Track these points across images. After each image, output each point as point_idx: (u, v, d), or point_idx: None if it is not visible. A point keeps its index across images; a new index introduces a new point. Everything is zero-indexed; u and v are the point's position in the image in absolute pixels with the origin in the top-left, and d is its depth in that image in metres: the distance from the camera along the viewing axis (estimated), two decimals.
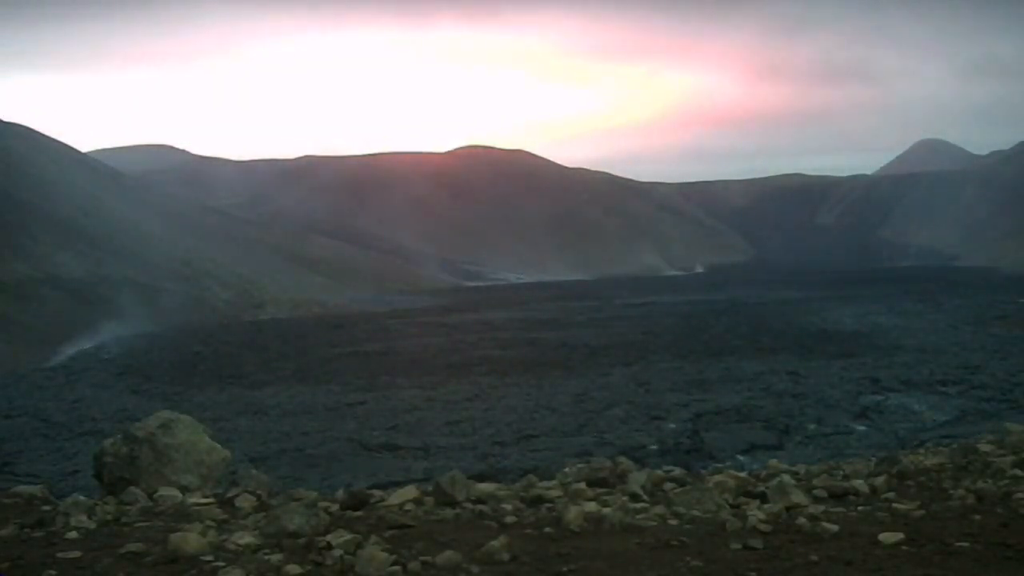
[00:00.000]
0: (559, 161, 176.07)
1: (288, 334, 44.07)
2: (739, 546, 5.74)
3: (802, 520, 6.19)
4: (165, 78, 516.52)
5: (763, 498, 7.07)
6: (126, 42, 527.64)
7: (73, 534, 6.34)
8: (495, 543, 5.66)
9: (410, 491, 7.34)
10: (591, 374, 27.81)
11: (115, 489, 8.24)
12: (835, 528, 6.01)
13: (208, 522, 6.60)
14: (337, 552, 5.59)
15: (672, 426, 20.12)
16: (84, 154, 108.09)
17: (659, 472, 8.34)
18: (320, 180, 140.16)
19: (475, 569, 5.38)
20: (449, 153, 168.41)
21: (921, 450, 11.50)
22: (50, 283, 49.23)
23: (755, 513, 6.40)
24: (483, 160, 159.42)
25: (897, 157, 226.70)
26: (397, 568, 5.35)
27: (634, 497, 7.25)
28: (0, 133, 78.84)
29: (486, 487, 7.73)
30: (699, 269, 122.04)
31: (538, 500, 7.23)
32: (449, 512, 6.79)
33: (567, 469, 8.61)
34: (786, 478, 7.53)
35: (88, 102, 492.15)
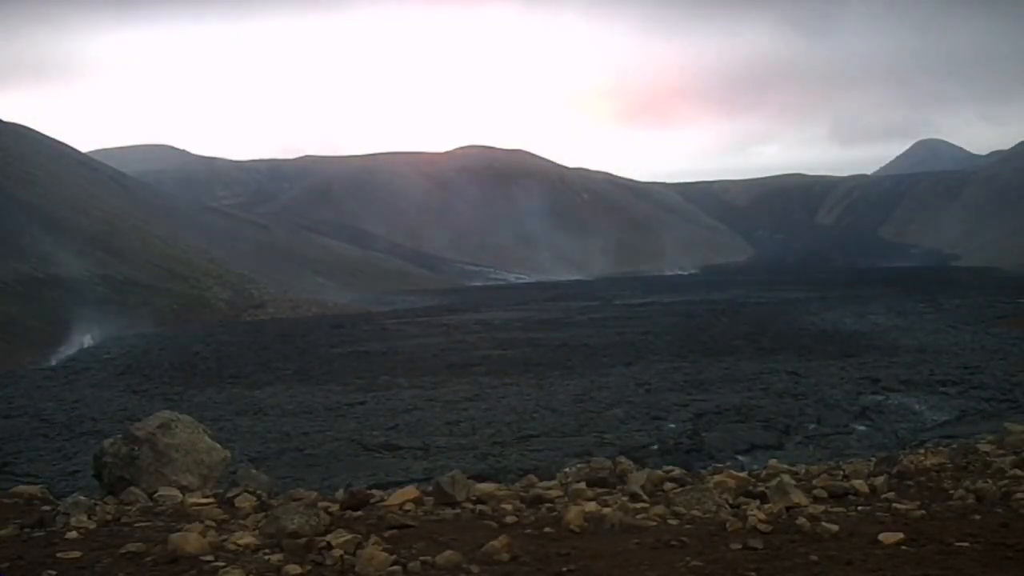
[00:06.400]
0: (559, 161, 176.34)
1: (288, 334, 44.06)
2: (739, 546, 5.74)
3: (802, 520, 6.19)
4: (166, 78, 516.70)
5: (763, 498, 7.07)
6: (127, 42, 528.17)
7: (73, 534, 6.34)
8: (495, 543, 5.66)
9: (410, 491, 7.35)
10: (591, 374, 27.79)
11: (115, 489, 8.24)
12: (835, 528, 6.01)
13: (208, 522, 6.60)
14: (337, 552, 5.60)
15: (672, 426, 20.09)
16: (84, 154, 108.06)
17: (659, 472, 8.35)
18: (320, 180, 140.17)
19: (475, 569, 5.38)
20: (449, 153, 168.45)
21: (921, 450, 11.50)
22: (50, 283, 49.24)
23: (755, 513, 6.40)
24: (483, 160, 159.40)
25: (897, 157, 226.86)
26: (397, 568, 5.35)
27: (634, 497, 7.25)
28: (0, 133, 78.81)
29: (486, 487, 7.74)
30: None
31: (538, 500, 7.24)
32: (449, 512, 6.79)
33: (567, 469, 8.62)
34: (786, 478, 7.53)
35: (88, 102, 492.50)
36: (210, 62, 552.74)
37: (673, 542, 5.83)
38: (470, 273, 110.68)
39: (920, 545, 5.67)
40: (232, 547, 5.81)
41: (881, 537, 5.79)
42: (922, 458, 8.81)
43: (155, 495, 7.90)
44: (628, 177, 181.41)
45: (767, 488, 7.22)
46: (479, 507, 6.94)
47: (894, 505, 6.78)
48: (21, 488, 8.23)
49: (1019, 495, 6.85)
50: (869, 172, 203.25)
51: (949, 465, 8.37)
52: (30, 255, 52.20)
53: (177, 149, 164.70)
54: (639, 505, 6.94)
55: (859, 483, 7.53)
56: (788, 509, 6.61)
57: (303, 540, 5.83)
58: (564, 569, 5.36)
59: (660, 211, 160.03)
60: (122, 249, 62.45)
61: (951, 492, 7.19)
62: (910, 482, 7.74)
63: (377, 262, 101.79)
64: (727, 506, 6.82)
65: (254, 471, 8.87)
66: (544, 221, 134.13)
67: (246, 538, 5.95)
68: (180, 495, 7.89)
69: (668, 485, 7.76)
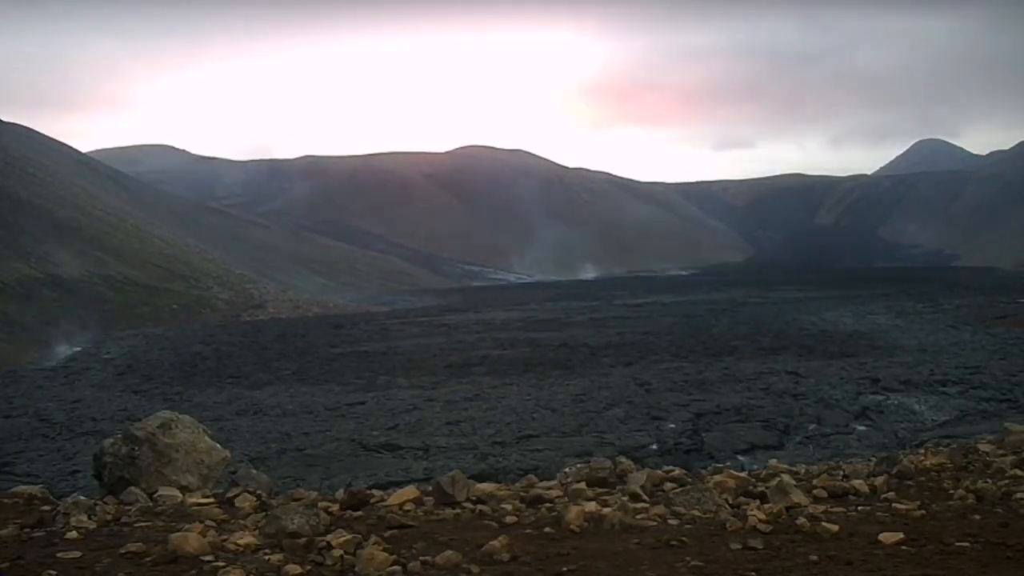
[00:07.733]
0: (559, 161, 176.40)
1: (288, 334, 44.05)
2: (739, 546, 5.74)
3: (802, 520, 6.20)
4: (166, 78, 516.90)
5: (763, 498, 7.08)
6: (128, 42, 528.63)
7: (73, 534, 6.34)
8: (495, 543, 5.66)
9: (410, 491, 7.35)
10: (591, 374, 27.78)
11: (115, 489, 8.24)
12: (835, 528, 6.02)
13: (208, 522, 6.60)
14: (337, 552, 5.60)
15: (672, 426, 20.08)
16: (84, 154, 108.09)
17: (659, 472, 8.36)
18: (320, 180, 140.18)
19: (475, 569, 5.38)
20: (449, 153, 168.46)
21: (921, 450, 11.50)
22: (50, 283, 49.25)
23: (755, 513, 6.41)
24: (483, 160, 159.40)
25: (897, 157, 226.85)
26: (397, 568, 5.35)
27: (634, 497, 7.25)
28: (0, 133, 78.81)
29: (486, 487, 7.74)
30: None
31: (538, 500, 7.24)
32: (449, 512, 6.79)
33: (567, 469, 8.62)
34: (786, 478, 7.53)
35: (89, 102, 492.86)
36: (209, 61, 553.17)
37: (673, 542, 5.83)
38: (470, 273, 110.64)
39: (920, 545, 5.68)
40: (232, 547, 5.82)
41: (881, 537, 5.79)
42: (922, 458, 8.81)
43: (155, 495, 7.90)
44: (628, 177, 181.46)
45: (767, 488, 7.22)
46: (479, 507, 6.94)
47: (894, 505, 6.78)
48: (21, 488, 8.23)
49: (1019, 495, 6.86)
50: (869, 172, 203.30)
51: (949, 465, 8.37)
52: (30, 255, 52.21)
53: (177, 149, 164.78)
54: (639, 505, 6.95)
55: (859, 483, 7.54)
56: (788, 509, 6.61)
57: (303, 540, 5.83)
58: (564, 569, 5.36)
59: (660, 211, 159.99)
60: (122, 249, 62.43)
61: (951, 492, 7.20)
62: (910, 482, 7.75)
63: (377, 262, 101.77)
64: (727, 506, 6.83)
65: (254, 471, 8.88)
66: (544, 222, 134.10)
67: (246, 538, 5.95)
68: (180, 495, 7.89)
69: (668, 485, 7.76)
